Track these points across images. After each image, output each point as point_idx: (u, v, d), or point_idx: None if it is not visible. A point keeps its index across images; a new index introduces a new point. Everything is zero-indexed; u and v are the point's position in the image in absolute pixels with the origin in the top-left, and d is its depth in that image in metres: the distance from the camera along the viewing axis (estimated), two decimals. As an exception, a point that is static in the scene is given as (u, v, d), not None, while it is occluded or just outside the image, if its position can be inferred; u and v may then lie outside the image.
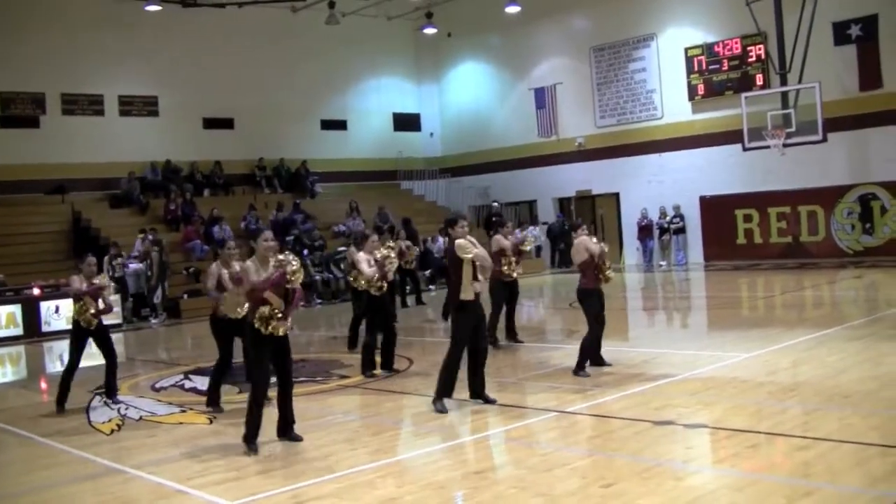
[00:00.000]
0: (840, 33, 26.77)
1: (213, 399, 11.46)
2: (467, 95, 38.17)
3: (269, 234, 9.48)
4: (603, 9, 32.58)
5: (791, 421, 8.76)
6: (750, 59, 28.77)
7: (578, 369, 11.77)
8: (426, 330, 18.06)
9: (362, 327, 14.05)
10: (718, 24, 29.55)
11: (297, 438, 9.22)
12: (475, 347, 10.42)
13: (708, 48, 29.67)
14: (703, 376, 11.16)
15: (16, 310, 21.92)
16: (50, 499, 8.04)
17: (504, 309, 15.03)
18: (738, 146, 27.34)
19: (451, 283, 10.44)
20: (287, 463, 8.48)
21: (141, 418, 11.18)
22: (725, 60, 29.33)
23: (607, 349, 12.35)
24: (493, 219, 14.84)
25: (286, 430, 9.27)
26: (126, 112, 31.61)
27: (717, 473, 7.31)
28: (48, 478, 8.80)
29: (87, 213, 28.62)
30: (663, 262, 30.66)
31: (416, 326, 16.83)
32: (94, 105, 30.94)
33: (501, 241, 14.29)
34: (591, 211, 34.08)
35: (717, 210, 29.61)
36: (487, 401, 10.39)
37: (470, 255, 10.21)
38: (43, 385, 14.57)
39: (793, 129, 25.77)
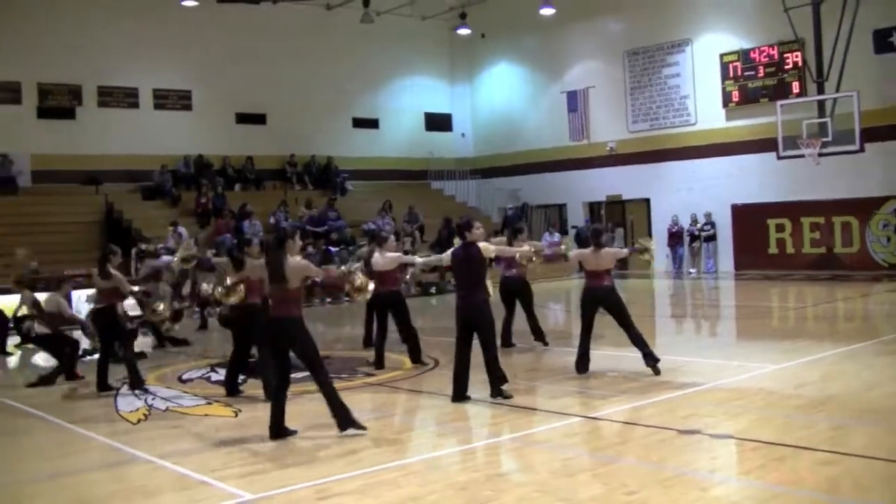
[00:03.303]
0: (881, 41, 26.46)
1: (233, 388, 11.81)
2: (499, 97, 38.12)
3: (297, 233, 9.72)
4: (638, 13, 32.43)
5: (818, 435, 8.66)
6: (786, 67, 28.49)
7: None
8: (452, 330, 18.02)
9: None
10: (755, 30, 29.32)
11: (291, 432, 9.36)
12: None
13: (743, 54, 29.46)
14: (731, 386, 11.07)
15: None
16: (75, 484, 8.11)
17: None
18: (773, 154, 27.13)
19: (472, 283, 10.73)
20: (310, 458, 8.48)
21: (167, 409, 11.27)
22: (761, 67, 29.10)
23: (634, 356, 12.26)
24: (515, 226, 14.90)
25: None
26: (160, 105, 31.84)
27: (743, 485, 7.25)
28: (74, 464, 8.88)
29: (119, 205, 28.80)
30: (693, 270, 30.50)
31: (442, 327, 16.79)
32: (129, 98, 31.17)
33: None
34: (622, 216, 33.95)
35: (748, 218, 29.37)
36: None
37: (494, 252, 10.99)
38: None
39: (829, 138, 25.50)
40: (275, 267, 9.28)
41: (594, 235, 12.49)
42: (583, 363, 12.28)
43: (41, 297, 15.50)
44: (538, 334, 15.29)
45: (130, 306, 14.73)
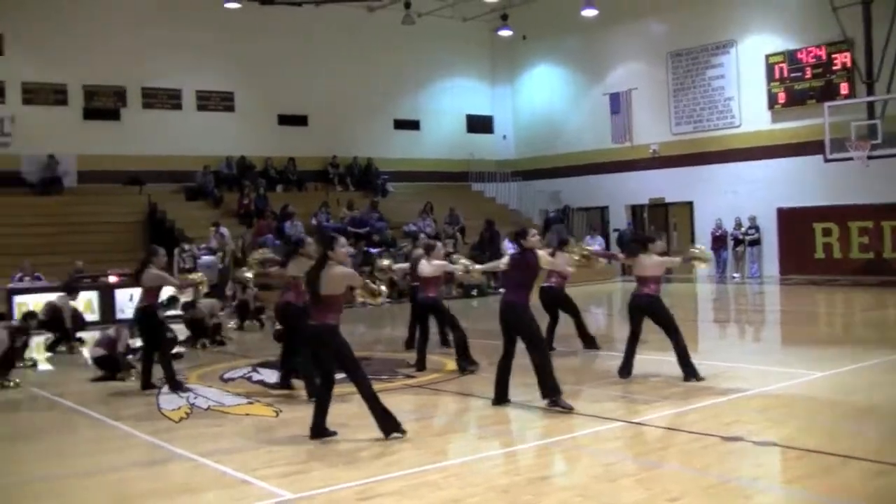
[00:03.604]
0: (934, 41, 26.12)
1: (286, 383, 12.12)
2: (541, 99, 38.00)
3: (343, 239, 9.61)
4: (681, 14, 32.19)
5: (867, 444, 8.48)
6: (835, 68, 28.07)
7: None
8: (495, 333, 17.96)
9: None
10: (801, 30, 28.97)
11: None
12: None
13: (790, 55, 29.13)
14: (775, 393, 10.94)
15: (93, 296, 22.37)
16: (116, 481, 8.16)
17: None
18: (819, 157, 26.85)
19: (516, 286, 10.68)
20: (351, 459, 8.47)
21: (209, 408, 11.35)
22: (808, 68, 28.73)
23: (673, 360, 12.15)
24: (563, 238, 14.89)
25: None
26: (203, 107, 32.10)
27: (787, 493, 7.15)
28: (116, 460, 8.95)
29: (162, 205, 29.03)
30: (737, 275, 30.21)
31: (483, 329, 16.74)
32: (172, 99, 31.46)
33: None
34: (665, 219, 33.74)
35: (794, 222, 29.01)
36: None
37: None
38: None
39: (878, 140, 25.21)
40: (311, 276, 9.31)
41: (644, 241, 12.40)
42: (626, 369, 12.20)
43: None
44: (588, 341, 15.22)
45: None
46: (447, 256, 14.71)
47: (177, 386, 12.62)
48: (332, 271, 9.21)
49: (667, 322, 12.03)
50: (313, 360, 9.67)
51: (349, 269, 9.55)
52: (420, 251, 14.69)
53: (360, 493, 7.29)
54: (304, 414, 9.82)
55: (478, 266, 12.84)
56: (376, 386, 10.47)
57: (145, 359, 12.95)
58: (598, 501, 6.95)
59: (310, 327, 9.37)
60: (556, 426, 9.67)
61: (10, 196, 27.59)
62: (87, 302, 22.03)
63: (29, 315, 15.53)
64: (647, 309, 12.11)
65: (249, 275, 13.88)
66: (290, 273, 11.93)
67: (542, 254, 10.86)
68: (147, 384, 12.70)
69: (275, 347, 14.21)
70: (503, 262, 11.06)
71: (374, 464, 8.23)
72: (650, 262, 12.12)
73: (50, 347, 18.07)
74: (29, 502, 7.79)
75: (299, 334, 11.53)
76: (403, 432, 9.14)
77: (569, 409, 10.17)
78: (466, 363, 13.42)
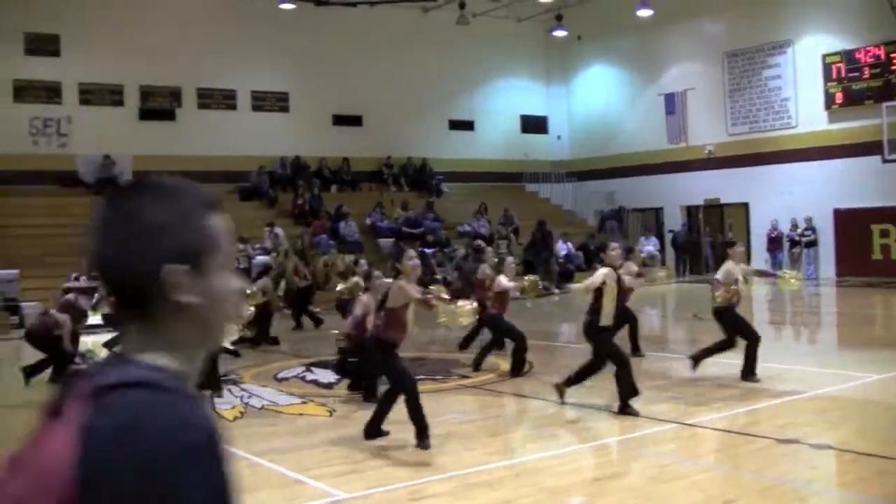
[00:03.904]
0: None
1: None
2: (596, 99, 37.87)
3: (411, 252, 9.65)
4: (737, 14, 31.92)
5: (925, 448, 8.41)
6: (893, 67, 27.65)
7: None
8: (551, 334, 17.95)
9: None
10: (859, 30, 28.58)
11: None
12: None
13: (847, 55, 28.78)
14: (831, 395, 10.84)
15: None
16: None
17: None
18: (877, 158, 26.55)
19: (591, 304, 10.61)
20: (404, 459, 8.51)
21: (263, 407, 11.42)
22: (866, 68, 28.37)
23: (733, 362, 12.08)
24: (628, 246, 14.54)
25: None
26: (258, 107, 32.33)
27: (842, 497, 7.11)
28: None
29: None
30: (792, 276, 29.88)
31: (536, 330, 16.75)
32: (227, 100, 31.72)
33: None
34: (720, 220, 33.49)
35: (851, 224, 28.65)
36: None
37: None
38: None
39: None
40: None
41: (726, 246, 12.47)
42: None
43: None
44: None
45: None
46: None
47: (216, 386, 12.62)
48: (395, 284, 9.26)
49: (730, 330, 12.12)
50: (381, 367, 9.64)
51: (410, 283, 9.41)
52: (491, 264, 14.62)
53: (414, 494, 7.33)
54: (356, 414, 9.90)
55: (576, 286, 12.68)
56: (430, 386, 10.55)
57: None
58: (653, 503, 6.95)
59: (372, 337, 9.46)
60: (611, 428, 9.68)
61: (66, 196, 27.98)
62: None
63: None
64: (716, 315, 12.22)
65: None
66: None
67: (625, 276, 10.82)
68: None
69: (330, 347, 14.32)
70: (598, 278, 10.66)
71: (427, 464, 8.27)
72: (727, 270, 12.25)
73: (108, 344, 18.26)
74: None
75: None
76: (428, 447, 8.93)
77: (635, 415, 10.07)
78: (519, 368, 13.31)
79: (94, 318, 17.22)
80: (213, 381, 12.68)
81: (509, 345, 13.65)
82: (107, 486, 1.45)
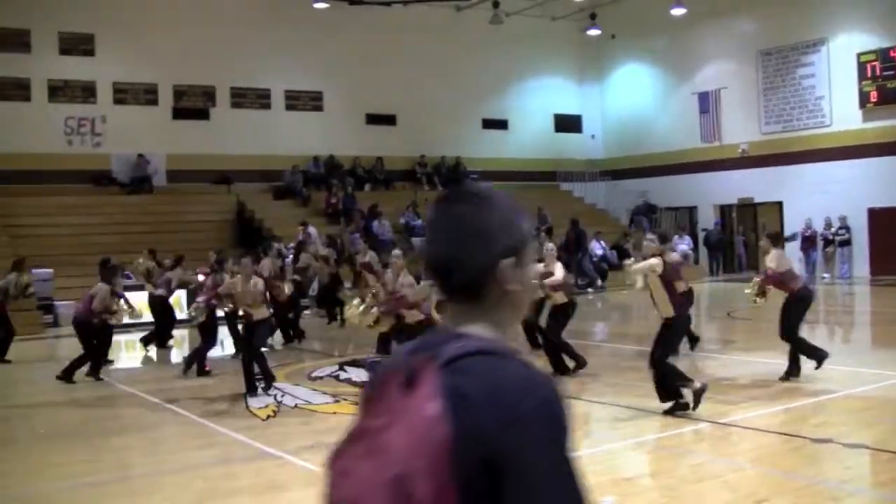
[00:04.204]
0: None
1: None
2: (629, 98, 37.78)
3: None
4: (771, 12, 31.76)
5: (960, 448, 8.38)
6: (929, 66, 27.59)
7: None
8: (583, 333, 17.93)
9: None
10: (895, 28, 28.46)
11: None
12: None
13: (882, 54, 28.57)
14: (865, 395, 10.81)
15: (181, 294, 22.58)
16: (204, 477, 8.34)
17: None
18: (913, 157, 26.36)
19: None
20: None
21: (296, 406, 11.47)
22: (901, 67, 28.25)
23: (767, 361, 12.06)
24: (662, 233, 13.95)
25: None
26: (291, 106, 32.48)
27: (876, 497, 7.09)
28: (204, 457, 9.12)
29: (250, 204, 29.44)
30: (826, 275, 29.73)
31: (572, 329, 16.71)
32: (261, 99, 31.90)
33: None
34: (753, 219, 33.36)
35: (886, 222, 28.42)
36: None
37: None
38: (206, 367, 15.02)
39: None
40: None
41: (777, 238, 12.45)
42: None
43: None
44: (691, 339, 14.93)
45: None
46: None
47: (267, 381, 12.66)
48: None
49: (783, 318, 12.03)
50: None
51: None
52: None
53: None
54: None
55: (636, 266, 12.36)
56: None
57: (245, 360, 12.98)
58: (685, 502, 6.97)
59: None
60: (643, 426, 9.68)
61: (100, 195, 28.27)
62: (175, 299, 22.36)
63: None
64: None
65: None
66: None
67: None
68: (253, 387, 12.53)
69: (361, 345, 14.38)
70: (657, 262, 10.47)
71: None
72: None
73: (146, 340, 18.42)
74: (120, 499, 7.94)
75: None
76: None
77: (685, 408, 9.95)
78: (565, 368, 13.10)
79: (126, 319, 17.36)
80: (263, 378, 12.70)
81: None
82: (482, 440, 1.73)
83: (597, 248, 30.23)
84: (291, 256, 25.11)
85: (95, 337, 14.39)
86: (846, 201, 29.17)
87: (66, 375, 13.99)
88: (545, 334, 13.67)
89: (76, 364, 14.15)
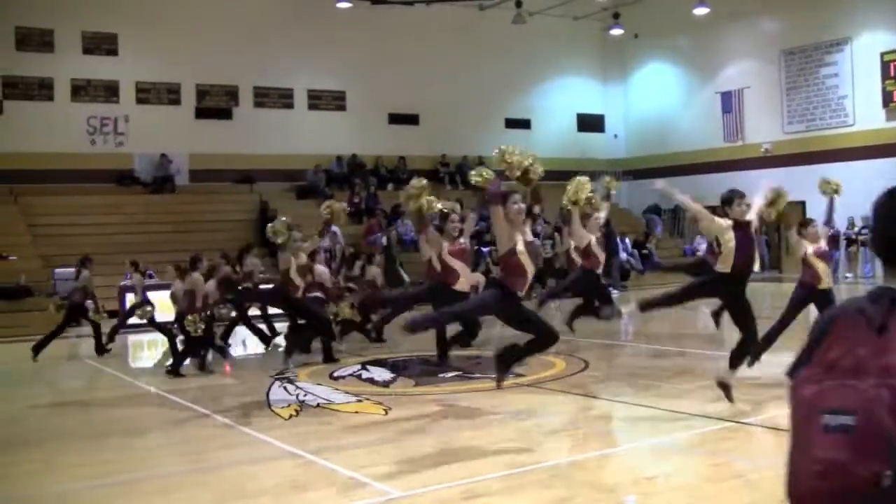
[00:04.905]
0: None
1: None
2: (652, 97, 37.72)
3: (517, 196, 9.90)
4: (794, 11, 31.65)
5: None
6: (952, 66, 27.43)
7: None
8: (604, 332, 17.88)
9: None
10: (920, 28, 28.33)
11: None
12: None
13: (906, 53, 28.51)
14: (889, 395, 10.72)
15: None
16: (225, 477, 8.30)
17: None
18: (937, 156, 26.20)
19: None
20: (458, 457, 8.52)
21: (318, 405, 11.43)
22: (925, 66, 28.10)
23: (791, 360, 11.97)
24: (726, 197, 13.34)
25: None
26: (314, 106, 32.59)
27: (900, 497, 7.03)
28: (224, 457, 9.08)
29: (273, 204, 29.45)
30: (849, 274, 29.60)
31: (591, 328, 16.71)
32: (283, 98, 32.01)
33: None
34: (776, 219, 33.17)
35: (910, 222, 28.26)
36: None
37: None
38: (226, 368, 15.07)
39: None
40: None
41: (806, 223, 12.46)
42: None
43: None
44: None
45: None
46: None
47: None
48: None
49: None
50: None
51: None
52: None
53: (466, 492, 7.33)
54: (412, 413, 9.95)
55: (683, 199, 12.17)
56: (487, 384, 10.62)
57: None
58: (706, 502, 6.94)
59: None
60: (663, 426, 9.65)
61: (123, 194, 28.44)
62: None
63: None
64: None
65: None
66: None
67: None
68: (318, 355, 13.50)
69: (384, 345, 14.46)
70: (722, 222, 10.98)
71: (480, 462, 8.27)
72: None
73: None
74: (141, 498, 7.92)
75: None
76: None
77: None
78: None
79: (134, 319, 17.58)
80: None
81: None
82: None
83: (621, 248, 30.15)
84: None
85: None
86: (869, 200, 28.22)
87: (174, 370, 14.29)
88: None
89: (180, 358, 14.52)
